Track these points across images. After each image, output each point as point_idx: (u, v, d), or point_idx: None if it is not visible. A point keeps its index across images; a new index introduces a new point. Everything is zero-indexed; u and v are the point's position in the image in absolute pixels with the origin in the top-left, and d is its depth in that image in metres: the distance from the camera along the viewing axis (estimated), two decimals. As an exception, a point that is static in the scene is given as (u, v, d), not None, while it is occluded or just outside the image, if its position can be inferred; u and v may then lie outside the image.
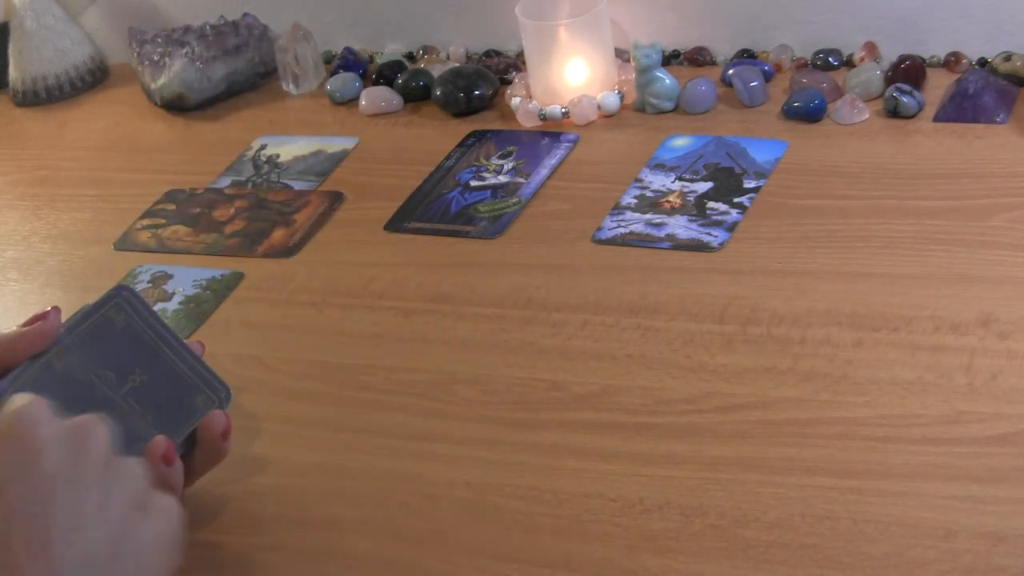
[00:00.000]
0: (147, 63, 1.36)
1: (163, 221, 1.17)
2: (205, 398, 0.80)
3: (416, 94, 1.28)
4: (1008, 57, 1.11)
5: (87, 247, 1.15)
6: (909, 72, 1.13)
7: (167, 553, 0.67)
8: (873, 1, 1.17)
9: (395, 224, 1.10)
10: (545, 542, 0.76)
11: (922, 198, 0.99)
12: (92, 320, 0.79)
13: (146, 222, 1.17)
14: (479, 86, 1.23)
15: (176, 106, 1.35)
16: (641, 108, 1.18)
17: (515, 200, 1.09)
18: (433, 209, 1.10)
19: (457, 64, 1.31)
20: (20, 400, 0.65)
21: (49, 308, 0.77)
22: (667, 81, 1.16)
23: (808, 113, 1.11)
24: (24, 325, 0.76)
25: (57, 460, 0.63)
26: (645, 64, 1.16)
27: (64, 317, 0.79)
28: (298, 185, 1.19)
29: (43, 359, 0.76)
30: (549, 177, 1.12)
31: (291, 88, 1.34)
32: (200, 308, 1.03)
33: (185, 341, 0.82)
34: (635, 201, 1.05)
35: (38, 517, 0.61)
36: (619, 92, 1.19)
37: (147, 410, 0.78)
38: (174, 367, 0.79)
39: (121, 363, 0.78)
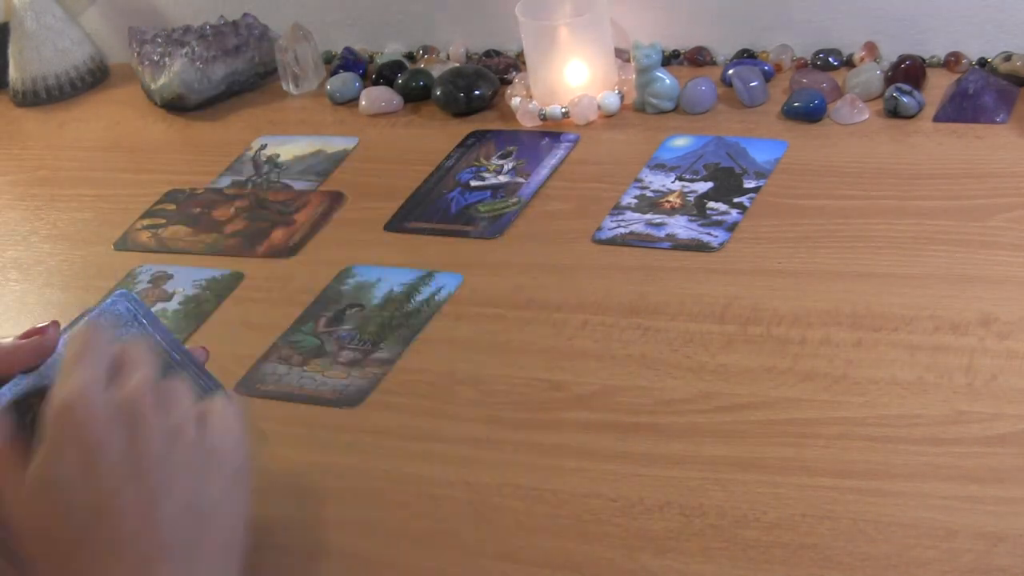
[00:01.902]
0: (147, 63, 1.36)
1: (163, 221, 1.17)
2: None
3: (416, 94, 1.28)
4: (1008, 57, 1.11)
5: (87, 247, 1.15)
6: (909, 72, 1.13)
7: (236, 457, 0.67)
8: (873, 1, 1.17)
9: (395, 224, 1.10)
10: (545, 542, 0.76)
11: (922, 198, 0.99)
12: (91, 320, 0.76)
13: (146, 222, 1.17)
14: (479, 86, 1.23)
15: (176, 106, 1.35)
16: (641, 108, 1.18)
17: (515, 200, 1.09)
18: (433, 209, 1.10)
19: (457, 64, 1.31)
20: (68, 390, 0.64)
21: (48, 323, 0.73)
22: (667, 81, 1.16)
23: (808, 113, 1.11)
24: (22, 337, 0.73)
25: (117, 453, 0.63)
26: (645, 64, 1.16)
27: (64, 317, 0.78)
28: (298, 185, 1.19)
29: (37, 371, 0.73)
30: (549, 177, 1.12)
31: (291, 88, 1.34)
32: (200, 308, 1.03)
33: (187, 347, 0.79)
34: (635, 201, 1.05)
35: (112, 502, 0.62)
36: (619, 92, 1.19)
37: None
38: (176, 370, 0.76)
39: None
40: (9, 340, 0.73)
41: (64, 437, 0.62)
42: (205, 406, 0.68)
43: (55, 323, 0.73)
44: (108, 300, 0.77)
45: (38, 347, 0.73)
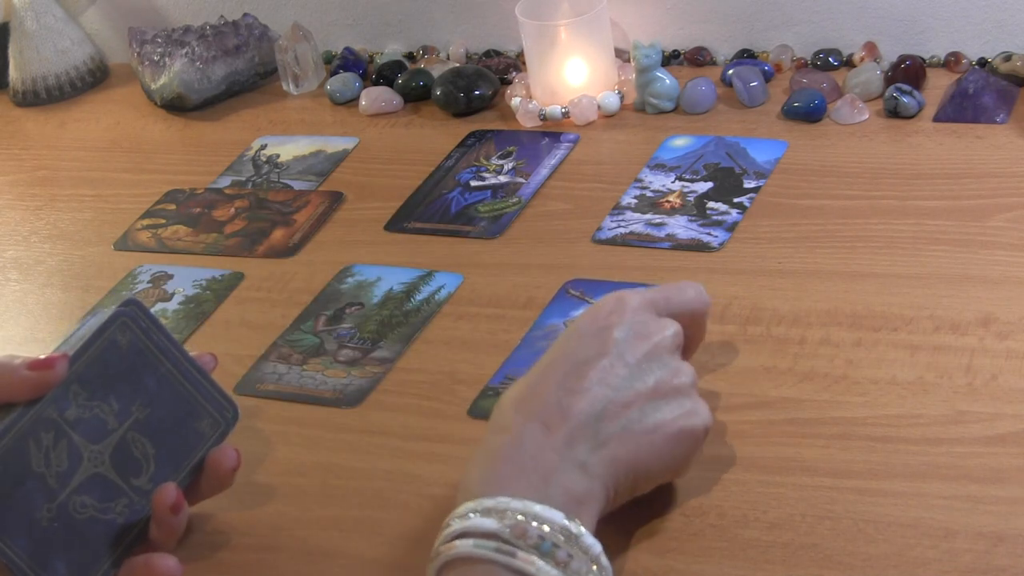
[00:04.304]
0: (147, 63, 1.36)
1: (163, 221, 1.17)
2: (212, 422, 0.78)
3: (416, 94, 1.28)
4: (1008, 57, 1.11)
5: (87, 247, 1.15)
6: (909, 72, 1.13)
7: (670, 445, 0.73)
8: (873, 1, 1.17)
9: (395, 224, 1.10)
10: (545, 542, 0.76)
11: (922, 198, 0.99)
12: (96, 347, 0.74)
13: (146, 222, 1.17)
14: (479, 86, 1.23)
15: (176, 106, 1.35)
16: (641, 108, 1.18)
17: (515, 200, 1.09)
18: (433, 209, 1.10)
19: (457, 64, 1.31)
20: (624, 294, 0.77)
21: (57, 355, 0.72)
22: (667, 81, 1.16)
23: (808, 113, 1.11)
24: (30, 367, 0.71)
25: (622, 335, 0.74)
26: (645, 64, 1.16)
27: (64, 317, 0.78)
28: (298, 185, 1.19)
29: (40, 403, 0.72)
30: (549, 177, 1.12)
31: (291, 88, 1.34)
32: (200, 308, 1.03)
33: (196, 354, 0.79)
34: (635, 201, 1.05)
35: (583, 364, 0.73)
36: (619, 92, 1.19)
37: (152, 442, 0.75)
38: (180, 389, 0.77)
39: (126, 391, 0.75)
40: (19, 360, 0.72)
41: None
42: (679, 394, 0.75)
43: (64, 357, 0.72)
44: (114, 308, 0.76)
45: (42, 383, 0.71)
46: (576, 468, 0.69)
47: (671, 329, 0.76)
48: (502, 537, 0.65)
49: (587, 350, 0.73)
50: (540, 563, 0.64)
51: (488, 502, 0.67)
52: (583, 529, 0.66)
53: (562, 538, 0.66)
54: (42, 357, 0.72)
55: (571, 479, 0.69)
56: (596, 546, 0.66)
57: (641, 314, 0.75)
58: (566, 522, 0.66)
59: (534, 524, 0.65)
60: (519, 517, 0.66)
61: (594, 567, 0.66)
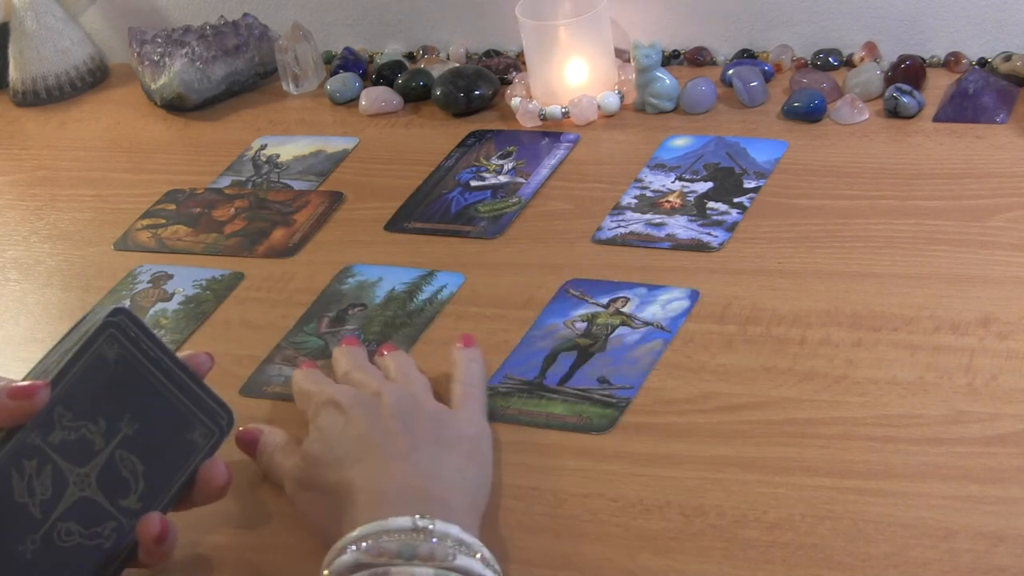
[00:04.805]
0: (147, 63, 1.36)
1: (163, 221, 1.17)
2: (205, 431, 0.76)
3: (416, 94, 1.28)
4: (1008, 57, 1.11)
5: (87, 247, 1.15)
6: (909, 72, 1.13)
7: (475, 472, 0.78)
8: (873, 1, 1.17)
9: (395, 224, 1.10)
10: (545, 542, 0.76)
11: (922, 198, 0.99)
12: (82, 363, 0.71)
13: (146, 222, 1.17)
14: (479, 86, 1.23)
15: (176, 106, 1.35)
16: (641, 108, 1.18)
17: (515, 200, 1.09)
18: (433, 209, 1.10)
19: (457, 64, 1.31)
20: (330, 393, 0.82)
21: (39, 383, 0.70)
22: (667, 81, 1.16)
23: (808, 113, 1.11)
24: (11, 395, 0.69)
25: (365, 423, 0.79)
26: (645, 64, 1.16)
27: (64, 317, 0.78)
28: (298, 185, 1.19)
29: (22, 430, 0.69)
30: (549, 177, 1.12)
31: (291, 88, 1.34)
32: (200, 308, 1.03)
33: (192, 353, 0.78)
34: (635, 201, 1.05)
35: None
36: (619, 92, 1.19)
37: (141, 459, 0.73)
38: (171, 400, 0.75)
39: (113, 408, 0.72)
40: (3, 383, 0.70)
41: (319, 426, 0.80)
42: (446, 431, 0.80)
43: (47, 385, 0.70)
44: (103, 318, 0.73)
45: (19, 412, 0.69)
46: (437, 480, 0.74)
47: (372, 385, 0.82)
48: (365, 563, 0.66)
49: (355, 444, 0.78)
50: (416, 570, 0.66)
51: (339, 543, 0.69)
52: (435, 522, 0.68)
53: (417, 536, 0.67)
54: (24, 384, 0.70)
55: (435, 489, 0.73)
56: (451, 529, 0.68)
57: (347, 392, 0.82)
58: (410, 521, 0.68)
59: (384, 539, 0.67)
60: (378, 540, 0.67)
61: (459, 546, 0.68)
